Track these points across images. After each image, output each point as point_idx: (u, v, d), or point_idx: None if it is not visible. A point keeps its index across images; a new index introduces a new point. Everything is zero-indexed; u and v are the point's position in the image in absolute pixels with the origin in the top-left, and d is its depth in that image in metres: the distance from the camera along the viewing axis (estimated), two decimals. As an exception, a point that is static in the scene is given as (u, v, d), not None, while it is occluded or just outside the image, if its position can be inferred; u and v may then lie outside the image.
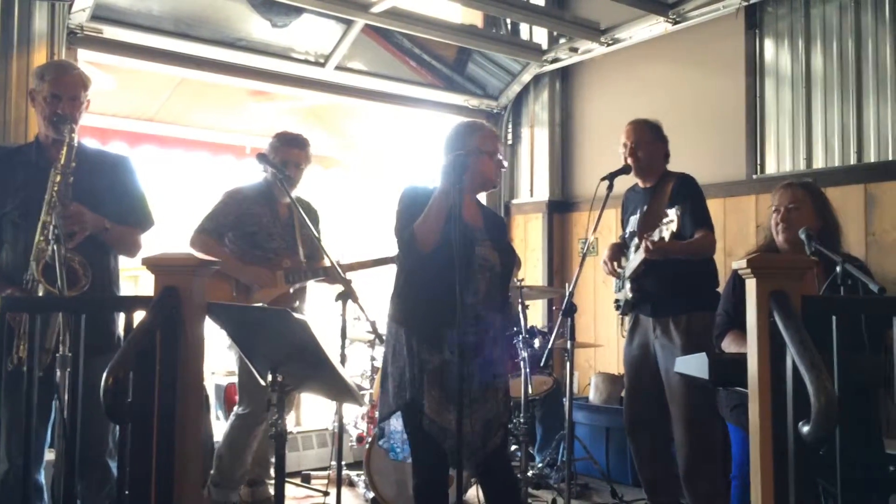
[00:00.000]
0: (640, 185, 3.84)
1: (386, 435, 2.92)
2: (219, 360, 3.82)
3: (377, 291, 4.32)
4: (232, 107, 5.62)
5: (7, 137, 3.93)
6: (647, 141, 3.74)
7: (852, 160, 4.37)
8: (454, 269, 2.60)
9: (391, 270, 3.95)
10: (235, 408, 3.86)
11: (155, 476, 2.19)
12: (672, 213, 3.25)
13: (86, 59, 4.46)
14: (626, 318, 3.86)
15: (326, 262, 3.83)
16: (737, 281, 3.11)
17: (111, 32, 4.44)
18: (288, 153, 3.89)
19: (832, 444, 2.00)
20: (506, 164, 3.10)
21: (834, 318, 2.03)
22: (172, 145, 5.37)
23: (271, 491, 3.59)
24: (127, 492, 2.19)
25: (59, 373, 2.35)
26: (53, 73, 2.90)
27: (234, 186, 3.97)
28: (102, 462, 2.82)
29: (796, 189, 3.11)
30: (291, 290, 3.84)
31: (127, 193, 3.04)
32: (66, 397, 2.28)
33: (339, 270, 3.49)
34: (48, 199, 2.70)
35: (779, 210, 3.09)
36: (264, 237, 3.83)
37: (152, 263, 2.33)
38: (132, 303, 2.43)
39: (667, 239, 3.32)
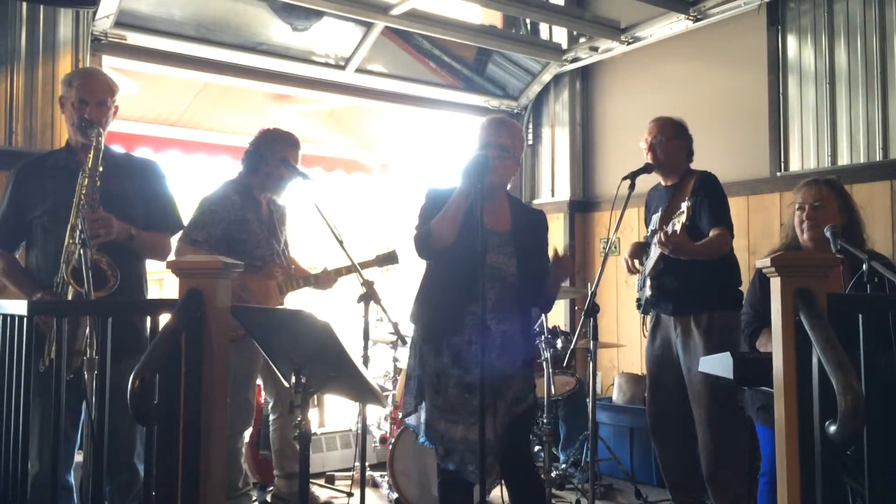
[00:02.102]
0: (663, 183, 3.83)
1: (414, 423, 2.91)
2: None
3: (399, 293, 4.34)
4: (254, 111, 5.65)
5: (34, 144, 3.99)
6: (668, 138, 3.72)
7: (878, 156, 4.31)
8: (460, 276, 2.61)
9: (410, 272, 4.00)
10: None
11: (181, 477, 2.21)
12: (683, 206, 3.24)
13: (110, 66, 4.51)
14: (648, 318, 3.84)
15: (337, 264, 3.84)
16: (762, 278, 3.09)
17: (134, 38, 4.50)
18: (286, 151, 3.72)
19: (860, 443, 1.97)
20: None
21: (861, 316, 2.01)
22: (196, 150, 5.41)
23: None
24: (154, 493, 2.21)
25: (86, 375, 2.38)
26: (81, 78, 2.96)
27: (218, 190, 3.71)
28: (130, 464, 2.85)
29: (821, 186, 3.06)
30: (283, 300, 3.77)
31: (156, 197, 3.08)
32: (94, 400, 2.30)
33: (360, 273, 3.49)
34: (76, 202, 2.75)
35: (803, 208, 3.04)
36: (252, 245, 3.64)
37: (177, 266, 2.36)
38: (157, 305, 2.47)
39: (679, 231, 3.30)
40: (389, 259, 3.97)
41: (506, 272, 2.81)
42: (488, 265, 2.74)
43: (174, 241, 3.26)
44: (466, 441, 2.72)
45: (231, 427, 3.66)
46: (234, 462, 3.69)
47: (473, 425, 2.66)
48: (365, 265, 3.85)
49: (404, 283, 4.33)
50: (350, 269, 3.72)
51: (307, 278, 3.81)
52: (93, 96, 2.90)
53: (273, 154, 3.70)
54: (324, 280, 3.80)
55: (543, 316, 4.40)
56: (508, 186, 3.07)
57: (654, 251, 3.62)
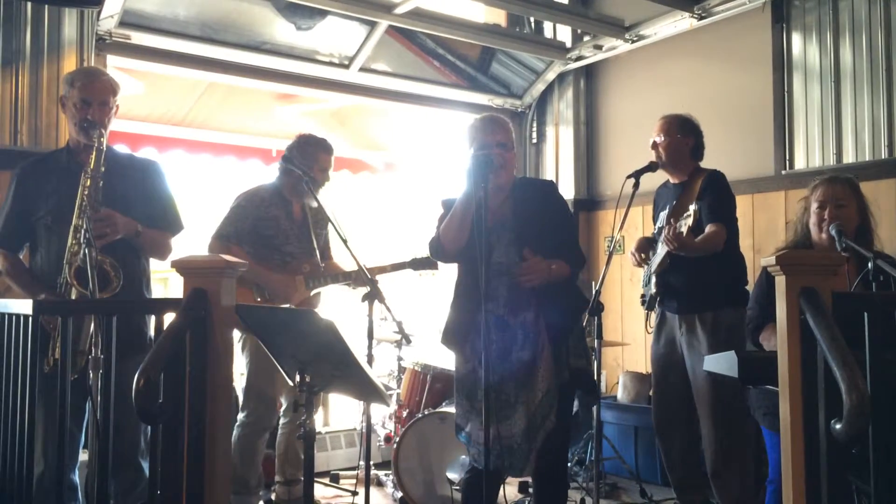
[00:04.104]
0: (671, 181, 3.82)
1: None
2: (239, 361, 3.81)
3: (404, 293, 4.35)
4: (258, 110, 5.66)
5: (39, 143, 4.00)
6: (670, 135, 3.72)
7: (884, 154, 4.30)
8: (472, 277, 2.64)
9: (413, 274, 4.01)
10: (239, 416, 3.79)
11: (186, 476, 2.21)
12: (691, 209, 3.25)
13: (114, 65, 4.53)
14: (652, 315, 3.84)
15: (346, 265, 3.85)
16: (768, 276, 3.08)
17: (139, 38, 4.50)
18: (317, 156, 3.86)
19: (865, 442, 1.96)
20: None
21: (866, 314, 2.00)
22: (200, 149, 5.42)
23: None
24: (159, 491, 2.22)
25: (91, 374, 2.39)
26: (83, 79, 2.96)
27: (249, 189, 3.91)
28: (135, 462, 2.86)
29: (844, 185, 3.01)
30: (311, 294, 3.83)
31: (157, 197, 3.09)
32: (99, 399, 2.31)
33: (367, 273, 3.49)
34: (79, 202, 2.75)
35: (824, 206, 2.97)
36: (282, 241, 3.78)
37: (181, 266, 2.36)
38: (162, 305, 2.47)
39: (684, 233, 3.30)
40: (427, 263, 3.95)
41: (511, 265, 2.82)
42: (494, 262, 2.78)
43: (177, 240, 3.26)
44: (500, 438, 2.72)
45: (255, 423, 3.70)
46: (251, 460, 3.72)
47: (503, 421, 2.72)
48: (398, 267, 3.93)
49: (406, 283, 4.33)
50: (386, 269, 3.86)
51: (339, 276, 3.85)
52: (95, 97, 2.90)
53: (303, 158, 3.82)
54: (356, 279, 3.81)
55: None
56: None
57: (661, 248, 3.62)
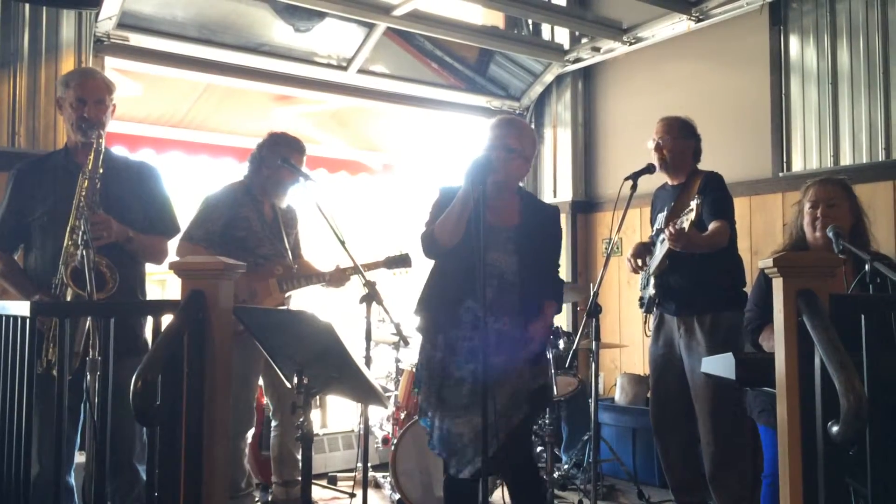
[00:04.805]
0: (669, 182, 3.83)
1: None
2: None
3: (402, 294, 4.34)
4: (256, 112, 5.66)
5: (37, 145, 4.00)
6: (674, 138, 3.73)
7: (881, 156, 4.31)
8: (460, 271, 2.62)
9: (416, 274, 3.99)
10: None
11: (183, 478, 2.21)
12: (693, 204, 3.26)
13: (112, 67, 4.53)
14: (650, 317, 3.84)
15: (319, 265, 3.83)
16: (766, 277, 3.08)
17: (137, 40, 4.50)
18: (288, 157, 3.69)
19: (862, 444, 1.97)
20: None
21: (863, 316, 2.01)
22: (198, 151, 5.41)
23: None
24: (156, 494, 2.22)
25: (88, 376, 2.39)
26: (78, 78, 2.97)
27: (218, 190, 3.75)
28: (131, 465, 2.85)
29: (836, 186, 3.05)
30: (286, 296, 3.77)
31: (153, 201, 3.08)
32: (96, 400, 2.30)
33: (364, 275, 3.48)
34: (76, 203, 2.75)
35: (816, 206, 3.01)
36: (254, 243, 3.67)
37: (179, 267, 2.36)
38: (160, 306, 2.47)
39: (687, 229, 3.31)
40: (401, 262, 3.95)
41: (504, 269, 2.80)
42: (487, 262, 2.72)
43: (172, 243, 3.26)
44: (460, 435, 2.71)
45: (234, 427, 3.67)
46: (236, 462, 3.69)
47: (460, 419, 2.69)
48: (372, 266, 3.87)
49: (412, 284, 4.32)
50: (358, 270, 3.70)
51: (313, 276, 3.80)
52: (91, 95, 2.90)
53: (273, 156, 3.70)
54: (335, 278, 3.79)
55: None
56: (522, 184, 3.06)
57: (660, 250, 3.63)
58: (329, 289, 3.86)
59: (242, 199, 3.71)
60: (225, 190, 3.76)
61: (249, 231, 3.67)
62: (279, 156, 3.68)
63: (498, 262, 2.79)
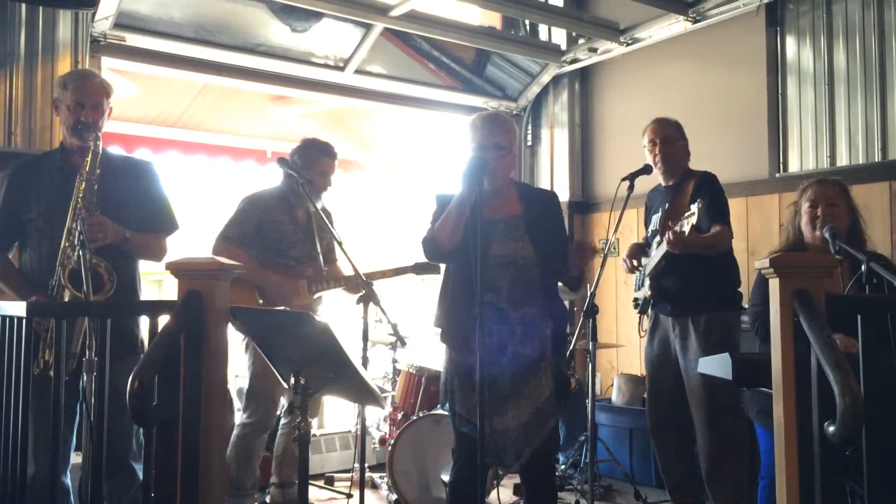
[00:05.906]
0: (663, 183, 3.83)
1: None
2: (242, 362, 3.81)
3: (399, 295, 4.34)
4: (253, 112, 5.67)
5: (33, 145, 3.99)
6: (674, 138, 3.74)
7: (877, 157, 4.32)
8: (468, 270, 2.62)
9: (413, 277, 4.00)
10: (240, 416, 3.80)
11: (180, 479, 2.21)
12: (693, 207, 3.26)
13: (109, 67, 4.52)
14: (645, 317, 3.85)
15: (347, 269, 3.85)
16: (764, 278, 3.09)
17: (133, 40, 4.50)
18: (319, 161, 3.85)
19: (858, 444, 1.97)
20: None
21: (859, 317, 2.01)
22: (195, 151, 5.42)
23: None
24: (153, 494, 2.21)
25: (84, 377, 2.38)
26: (76, 81, 2.95)
27: (254, 192, 3.90)
28: (127, 465, 2.85)
29: (834, 185, 3.07)
30: (314, 298, 3.83)
31: (151, 198, 3.08)
32: (92, 401, 2.30)
33: (362, 277, 3.49)
34: (73, 205, 2.74)
35: (816, 205, 3.02)
36: (286, 245, 3.78)
37: (176, 268, 2.35)
38: (157, 307, 2.46)
39: (687, 232, 3.31)
40: (430, 268, 3.93)
41: (516, 256, 2.81)
42: (495, 255, 2.78)
43: (170, 241, 3.25)
44: (493, 432, 2.73)
45: (257, 424, 3.69)
46: (248, 462, 3.71)
47: (505, 415, 2.73)
48: (401, 271, 3.93)
49: (412, 284, 4.33)
50: (388, 274, 3.85)
51: (338, 280, 3.85)
52: (89, 99, 2.89)
53: (303, 161, 3.82)
54: (353, 283, 3.80)
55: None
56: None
57: (656, 251, 3.63)
58: (347, 292, 3.89)
59: (277, 203, 3.82)
60: (261, 193, 3.89)
61: (282, 234, 3.78)
62: (308, 160, 3.82)
63: (507, 252, 2.81)
